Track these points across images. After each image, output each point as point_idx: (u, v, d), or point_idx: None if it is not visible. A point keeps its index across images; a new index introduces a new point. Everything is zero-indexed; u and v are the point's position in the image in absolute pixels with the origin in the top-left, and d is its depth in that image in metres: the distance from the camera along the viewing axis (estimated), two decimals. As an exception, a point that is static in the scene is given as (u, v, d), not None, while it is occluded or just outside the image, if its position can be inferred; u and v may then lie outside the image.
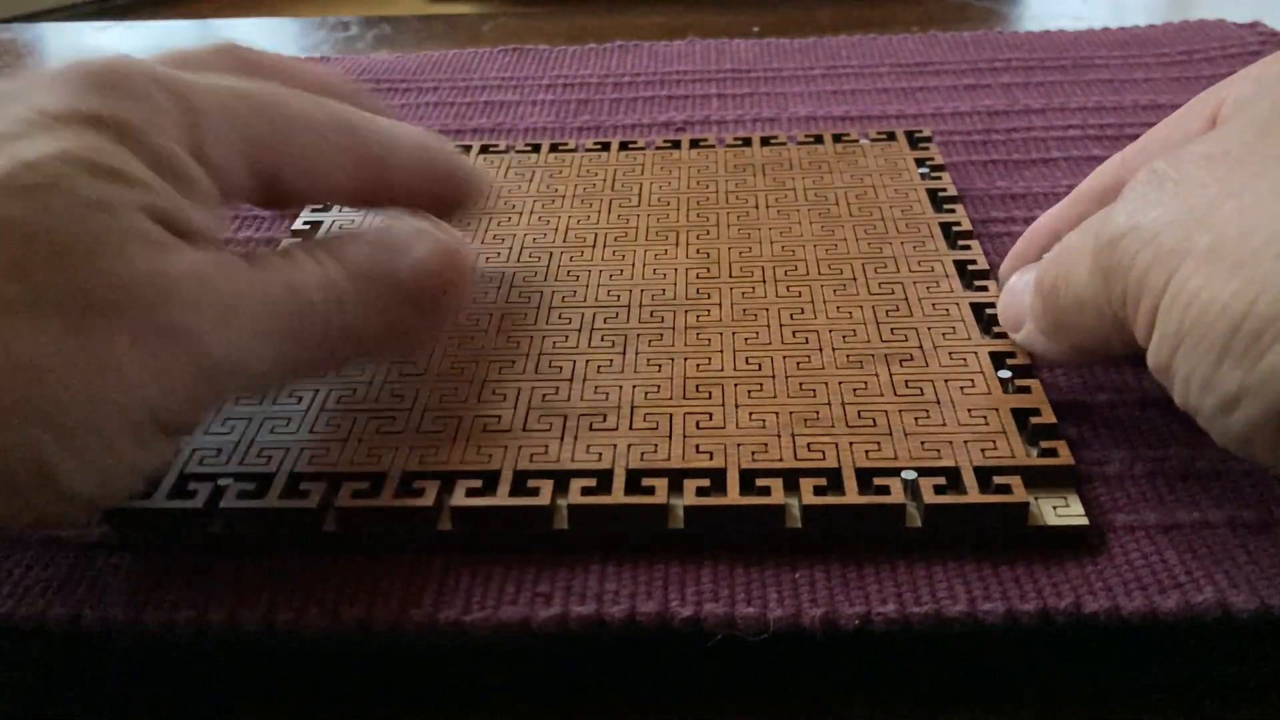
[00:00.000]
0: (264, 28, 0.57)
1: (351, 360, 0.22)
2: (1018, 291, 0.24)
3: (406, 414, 0.23)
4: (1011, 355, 0.24)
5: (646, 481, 0.21)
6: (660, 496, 0.21)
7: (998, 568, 0.20)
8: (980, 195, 0.33)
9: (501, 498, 0.21)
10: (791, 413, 0.23)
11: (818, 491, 0.20)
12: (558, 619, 0.19)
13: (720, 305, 0.26)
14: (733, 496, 0.21)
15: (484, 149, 0.36)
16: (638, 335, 0.26)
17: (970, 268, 0.27)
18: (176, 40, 0.54)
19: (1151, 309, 0.18)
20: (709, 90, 0.42)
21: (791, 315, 0.26)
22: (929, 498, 0.20)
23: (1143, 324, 0.18)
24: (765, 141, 0.35)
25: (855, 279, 0.27)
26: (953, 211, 0.30)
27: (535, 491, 0.21)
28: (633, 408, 0.23)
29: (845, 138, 0.35)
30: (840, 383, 0.23)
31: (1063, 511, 0.20)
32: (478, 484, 0.21)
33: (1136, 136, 0.24)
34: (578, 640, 0.19)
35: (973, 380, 0.23)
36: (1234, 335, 0.16)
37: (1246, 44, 0.43)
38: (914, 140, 0.34)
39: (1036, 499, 0.20)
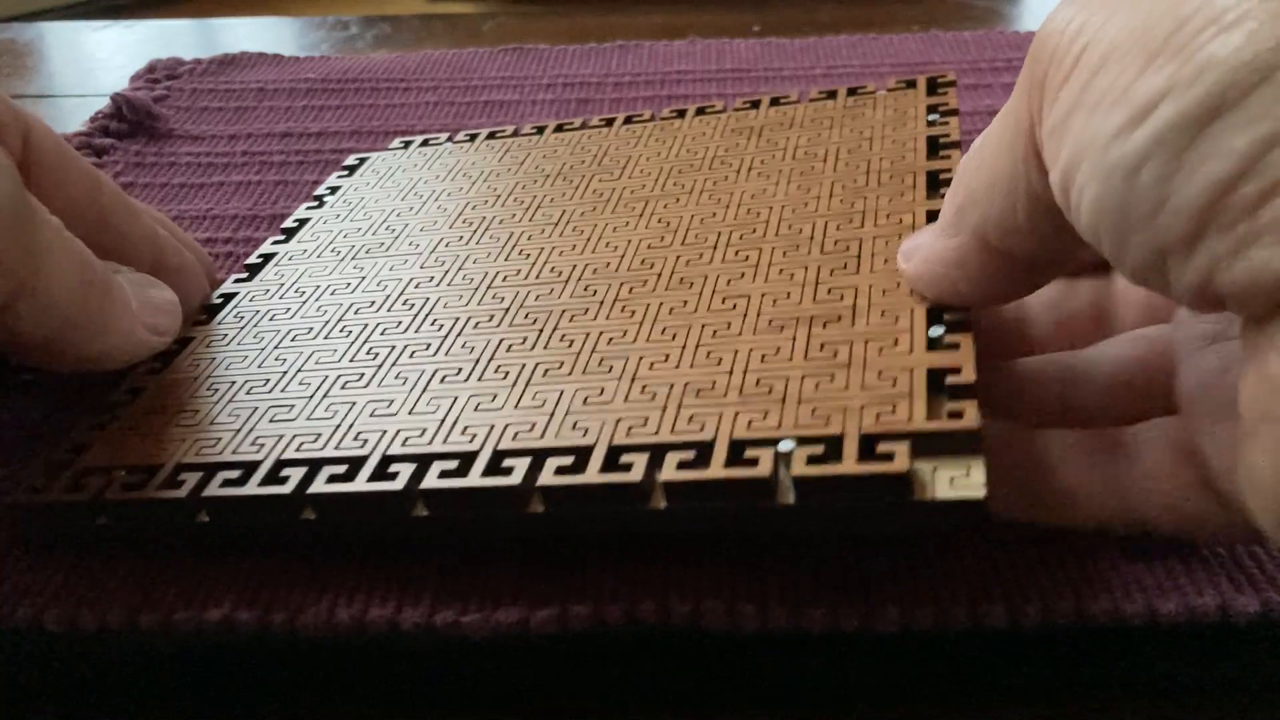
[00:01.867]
0: (264, 27, 0.57)
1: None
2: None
3: (304, 401, 0.23)
4: (950, 309, 0.21)
5: (507, 462, 0.20)
6: (516, 476, 0.19)
7: (998, 569, 0.19)
8: (981, 195, 0.33)
9: (360, 483, 0.20)
10: (686, 383, 0.21)
11: (681, 466, 0.19)
12: (556, 618, 0.19)
13: (660, 275, 0.25)
14: (591, 474, 0.19)
15: (490, 134, 0.36)
16: (562, 311, 0.25)
17: None
18: (176, 39, 0.54)
19: (1070, 65, 0.16)
20: (709, 90, 0.42)
21: (729, 281, 0.24)
22: (799, 469, 0.18)
23: (1055, 93, 0.16)
24: (775, 102, 0.33)
25: (812, 238, 0.25)
26: (947, 158, 0.27)
27: (393, 476, 0.20)
28: (526, 385, 0.22)
29: (862, 90, 0.32)
30: (751, 349, 0.21)
31: (960, 483, 0.17)
32: (341, 470, 0.21)
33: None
34: (577, 641, 0.19)
35: (897, 340, 0.20)
36: (1176, 31, 0.14)
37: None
38: (934, 86, 0.32)
39: (935, 469, 0.18)
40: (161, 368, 0.26)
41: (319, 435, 0.22)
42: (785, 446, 0.18)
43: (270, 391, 0.24)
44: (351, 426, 0.22)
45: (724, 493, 0.18)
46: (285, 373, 0.24)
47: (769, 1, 0.57)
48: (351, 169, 0.36)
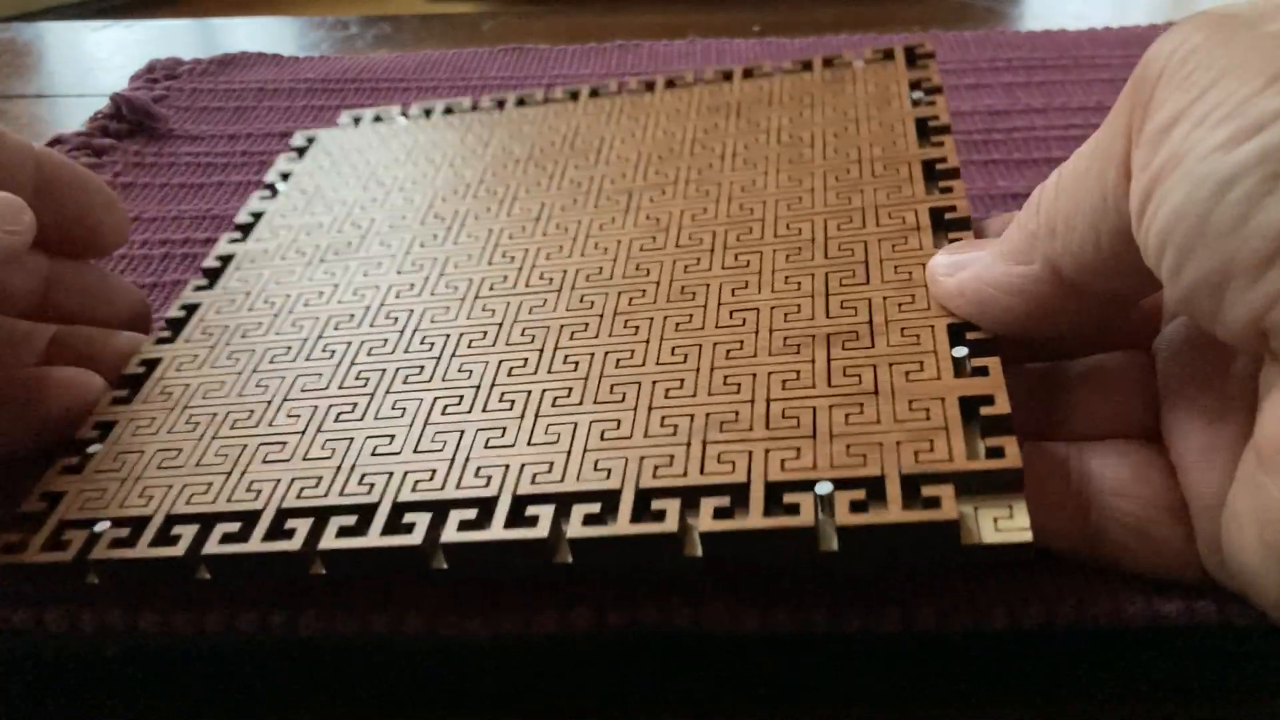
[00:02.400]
0: (263, 27, 0.57)
1: None
2: (956, 249, 0.21)
3: (297, 437, 0.22)
4: (972, 328, 0.20)
5: (531, 510, 0.19)
6: (543, 528, 0.18)
7: (999, 569, 0.19)
8: (981, 195, 0.33)
9: (373, 537, 0.19)
10: (708, 415, 0.20)
11: (718, 514, 0.18)
12: (557, 620, 0.19)
13: (658, 283, 0.23)
14: (623, 524, 0.18)
15: (447, 110, 0.34)
16: (561, 327, 0.23)
17: (948, 215, 0.23)
18: (176, 39, 0.54)
19: (1179, 82, 0.15)
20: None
21: (733, 291, 0.23)
22: (843, 517, 0.17)
23: (1158, 109, 0.16)
24: (748, 74, 0.31)
25: (813, 240, 0.23)
26: (940, 145, 0.26)
27: (409, 529, 0.19)
28: (536, 416, 0.21)
29: (837, 60, 0.31)
30: (770, 373, 0.20)
31: (1005, 524, 0.17)
32: (350, 521, 0.19)
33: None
34: (578, 641, 0.19)
35: (921, 363, 0.20)
36: None
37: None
38: (913, 58, 0.30)
39: (976, 509, 0.17)
40: (128, 396, 0.24)
41: (320, 479, 0.20)
42: (824, 489, 0.18)
43: (257, 425, 0.22)
44: (354, 468, 0.20)
45: (766, 542, 0.17)
46: (269, 402, 0.23)
47: (769, 1, 0.56)
48: (301, 150, 0.34)
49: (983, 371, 0.19)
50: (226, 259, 0.28)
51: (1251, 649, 0.19)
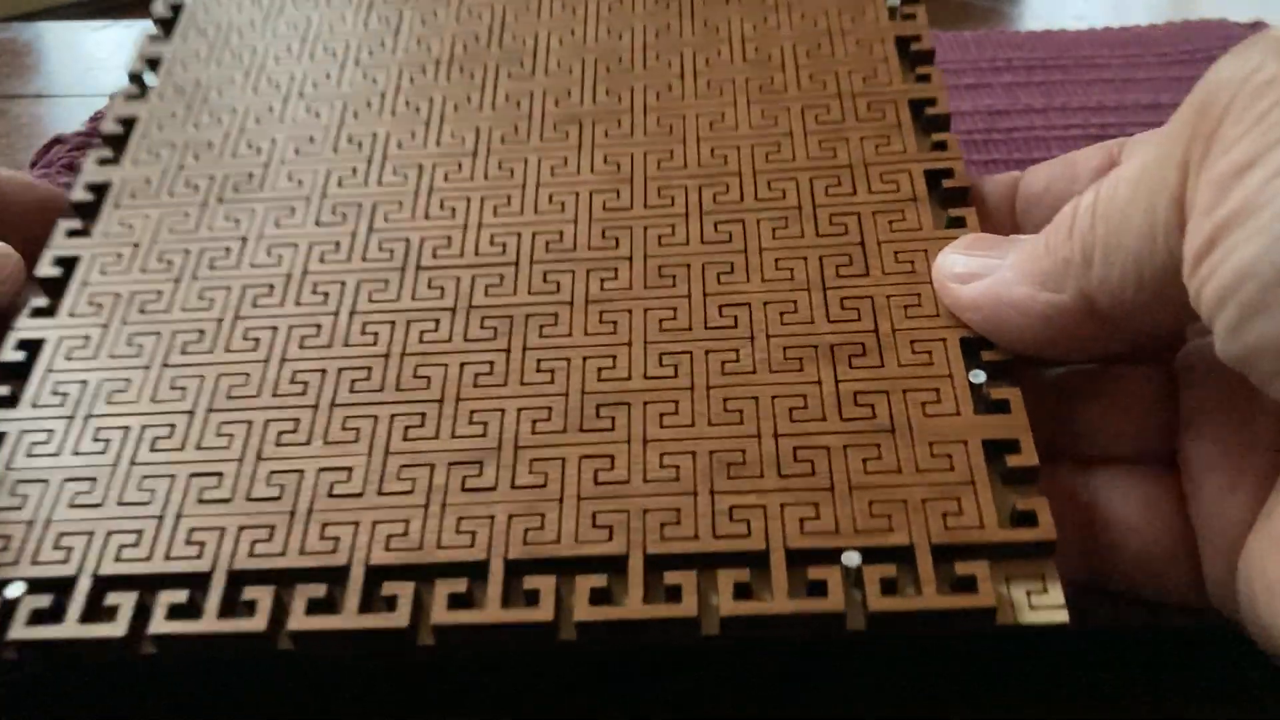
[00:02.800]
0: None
1: None
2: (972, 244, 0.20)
3: (236, 467, 0.18)
4: (986, 342, 0.19)
5: (530, 582, 0.16)
6: (547, 608, 0.16)
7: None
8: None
9: (349, 616, 0.16)
10: (712, 452, 0.18)
11: (739, 592, 0.16)
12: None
13: (631, 260, 0.21)
14: (635, 604, 0.16)
15: None
16: (526, 316, 0.20)
17: (946, 183, 0.21)
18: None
19: (1255, 117, 0.14)
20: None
21: (719, 276, 0.20)
22: (875, 602, 0.16)
23: (1228, 145, 0.14)
24: None
25: (800, 209, 0.21)
26: (927, 80, 0.23)
27: (392, 603, 0.16)
28: (516, 448, 0.18)
29: None
30: (774, 396, 0.18)
31: (1039, 601, 0.16)
32: (320, 592, 0.16)
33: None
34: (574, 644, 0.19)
35: (938, 391, 0.18)
36: None
37: (1248, 43, 0.43)
38: None
39: (1008, 581, 0.16)
40: (10, 396, 0.20)
41: (272, 529, 0.17)
42: (851, 560, 0.16)
43: (182, 447, 0.19)
44: (310, 513, 0.17)
45: (792, 625, 0.16)
46: (192, 412, 0.19)
47: (769, 1, 0.56)
48: (166, 24, 0.28)
49: (1003, 407, 0.18)
50: (101, 189, 0.23)
51: (1251, 649, 0.19)
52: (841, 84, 0.23)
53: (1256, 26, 0.44)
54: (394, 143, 0.23)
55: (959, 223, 0.21)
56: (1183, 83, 0.40)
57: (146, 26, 0.28)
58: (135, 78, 0.26)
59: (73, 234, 0.22)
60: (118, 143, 0.25)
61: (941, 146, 0.22)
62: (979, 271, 0.19)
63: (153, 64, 0.27)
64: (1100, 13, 0.51)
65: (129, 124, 0.25)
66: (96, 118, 0.40)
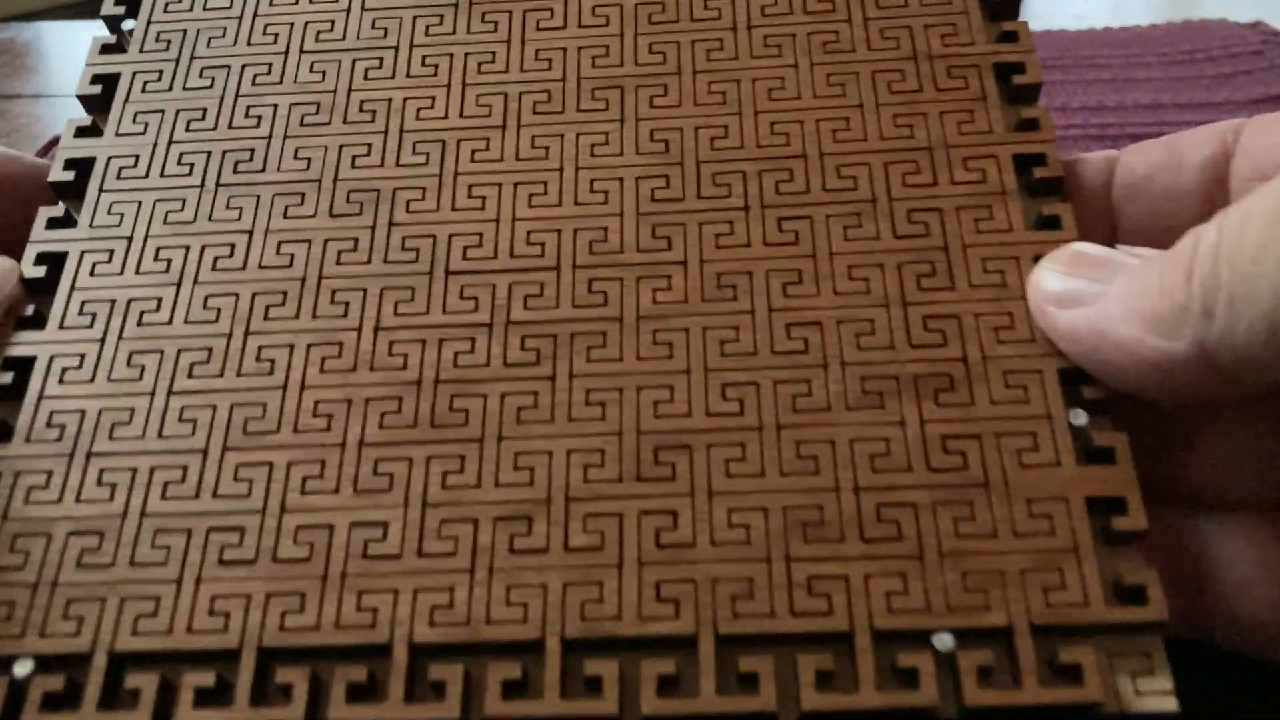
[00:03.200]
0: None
1: None
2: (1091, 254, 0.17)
3: (258, 520, 0.16)
4: (1085, 374, 0.16)
5: (591, 667, 0.15)
6: (611, 699, 0.14)
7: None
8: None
9: (395, 705, 0.14)
10: (785, 508, 0.16)
11: (821, 682, 0.15)
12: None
13: (685, 265, 0.18)
14: (708, 696, 0.14)
15: None
16: (571, 336, 0.18)
17: (1037, 171, 0.19)
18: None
19: None
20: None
21: (785, 287, 0.18)
22: (971, 694, 0.14)
23: None
24: None
25: (874, 201, 0.19)
26: (1013, 38, 0.20)
27: (440, 689, 0.14)
28: (568, 501, 0.16)
29: None
30: (852, 440, 0.16)
31: (1146, 686, 0.14)
32: (360, 675, 0.15)
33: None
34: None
35: (1035, 435, 0.16)
36: None
37: (1249, 43, 0.43)
38: None
39: (1111, 659, 0.15)
40: (2, 425, 0.18)
41: (303, 597, 0.15)
42: (943, 644, 0.15)
43: (196, 495, 0.17)
44: (344, 578, 0.15)
45: (878, 717, 0.15)
46: (205, 453, 0.17)
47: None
48: None
49: (1107, 455, 0.16)
50: (84, 165, 0.20)
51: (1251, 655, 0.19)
52: (917, 42, 0.20)
53: (1256, 26, 0.44)
54: (411, 111, 0.21)
55: (1053, 223, 0.18)
56: (1183, 82, 0.40)
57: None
58: (112, 22, 0.23)
59: (56, 223, 0.20)
60: (96, 104, 0.22)
61: (1032, 125, 0.19)
62: (1079, 296, 0.16)
63: (130, 6, 0.23)
64: (1100, 13, 0.51)
65: (110, 84, 0.22)
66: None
